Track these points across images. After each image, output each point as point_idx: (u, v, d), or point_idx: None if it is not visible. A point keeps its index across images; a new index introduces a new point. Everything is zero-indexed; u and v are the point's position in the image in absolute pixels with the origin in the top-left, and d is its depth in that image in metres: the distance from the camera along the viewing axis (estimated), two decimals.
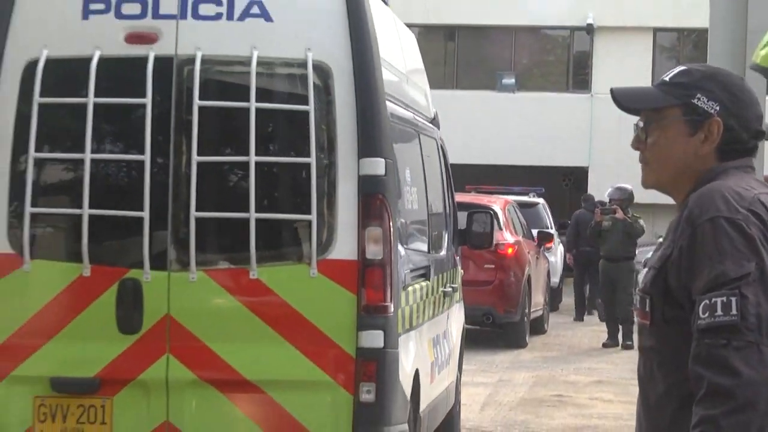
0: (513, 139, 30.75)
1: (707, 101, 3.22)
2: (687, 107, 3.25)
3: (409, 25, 9.67)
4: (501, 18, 33.47)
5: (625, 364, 16.82)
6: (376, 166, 7.66)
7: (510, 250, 18.87)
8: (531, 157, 31.40)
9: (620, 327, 19.39)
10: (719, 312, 2.99)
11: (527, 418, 12.36)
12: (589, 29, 33.84)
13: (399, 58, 9.36)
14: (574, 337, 20.65)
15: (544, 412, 12.79)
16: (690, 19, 30.95)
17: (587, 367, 16.83)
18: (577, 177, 32.75)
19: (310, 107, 7.45)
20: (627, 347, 18.75)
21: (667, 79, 3.35)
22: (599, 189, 28.45)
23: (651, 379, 3.23)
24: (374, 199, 7.64)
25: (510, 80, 34.08)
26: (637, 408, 3.37)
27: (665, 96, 3.29)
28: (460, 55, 33.28)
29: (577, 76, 35.25)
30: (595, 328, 21.00)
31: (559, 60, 36.15)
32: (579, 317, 23.63)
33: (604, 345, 19.02)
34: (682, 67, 3.38)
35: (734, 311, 2.97)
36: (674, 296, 3.12)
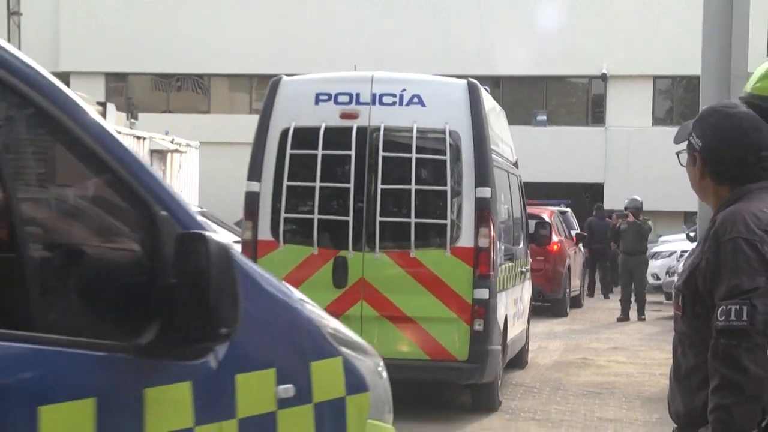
0: (546, 162, 29.95)
1: (695, 138, 3.09)
2: (688, 143, 3.14)
3: (465, 75, 10.30)
4: (535, 70, 32.86)
5: (635, 334, 16.82)
6: (485, 192, 9.01)
7: (555, 247, 18.91)
8: (560, 176, 30.80)
9: (635, 304, 19.07)
10: (733, 317, 2.86)
11: (559, 377, 12.19)
12: (603, 77, 33.22)
13: (496, 125, 10.47)
14: (595, 314, 20.47)
15: (573, 372, 12.64)
16: (681, 68, 30.03)
17: (606, 337, 16.59)
18: (595, 191, 32.32)
19: (447, 157, 8.94)
20: (641, 320, 18.87)
21: (710, 111, 3.15)
22: (613, 200, 28.49)
23: (683, 356, 3.10)
24: (484, 212, 8.98)
25: (543, 117, 33.31)
26: (670, 375, 3.24)
27: (683, 133, 3.19)
28: (504, 98, 32.55)
29: (594, 113, 34.50)
30: (611, 306, 20.82)
31: (580, 101, 35.38)
32: (590, 294, 24.03)
33: (618, 319, 18.89)
34: (721, 104, 3.27)
35: (745, 317, 2.83)
36: (702, 296, 2.98)
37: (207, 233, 2.72)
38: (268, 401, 3.19)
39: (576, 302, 21.35)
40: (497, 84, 31.56)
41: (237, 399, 3.08)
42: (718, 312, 2.88)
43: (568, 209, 23.13)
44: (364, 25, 32.35)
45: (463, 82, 9.32)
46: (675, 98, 33.48)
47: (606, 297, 24.25)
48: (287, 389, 3.24)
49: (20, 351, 2.51)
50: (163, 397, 2.83)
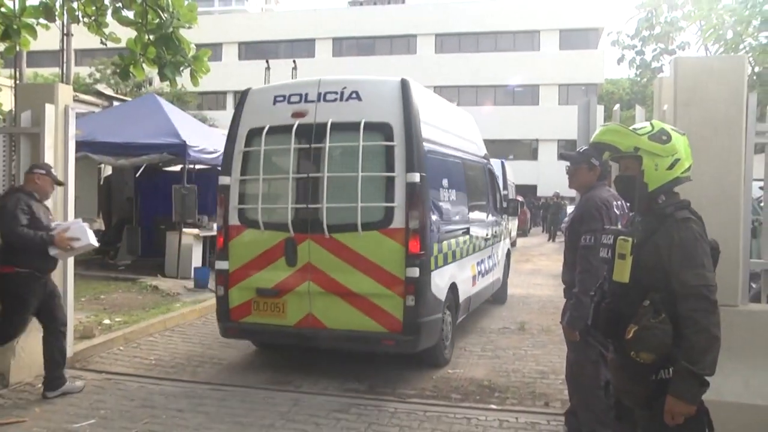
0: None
1: (594, 160, 3.88)
2: (588, 163, 3.90)
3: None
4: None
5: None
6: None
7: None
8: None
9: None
10: (588, 241, 3.57)
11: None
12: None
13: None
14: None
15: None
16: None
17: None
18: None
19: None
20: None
21: (581, 151, 4.02)
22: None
23: (568, 257, 3.93)
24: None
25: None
26: (562, 264, 4.04)
27: (581, 158, 3.96)
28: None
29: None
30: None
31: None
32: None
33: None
34: (585, 147, 4.04)
35: (593, 242, 3.52)
36: (575, 233, 3.82)
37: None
38: None
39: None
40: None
41: None
42: (582, 239, 3.73)
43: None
44: None
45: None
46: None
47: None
48: None
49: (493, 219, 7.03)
50: None
